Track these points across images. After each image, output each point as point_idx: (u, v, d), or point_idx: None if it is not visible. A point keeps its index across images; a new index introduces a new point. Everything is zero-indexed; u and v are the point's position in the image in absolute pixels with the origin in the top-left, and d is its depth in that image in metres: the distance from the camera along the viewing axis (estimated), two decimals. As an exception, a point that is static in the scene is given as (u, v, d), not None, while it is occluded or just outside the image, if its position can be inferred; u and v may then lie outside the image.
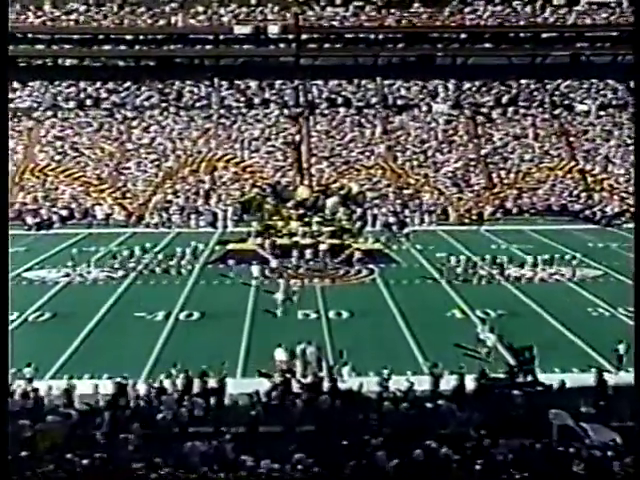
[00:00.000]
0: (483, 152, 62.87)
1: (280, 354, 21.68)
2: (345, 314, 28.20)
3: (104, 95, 68.38)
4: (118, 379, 19.71)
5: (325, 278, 34.33)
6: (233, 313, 28.04)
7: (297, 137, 65.10)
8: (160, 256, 38.10)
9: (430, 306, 29.31)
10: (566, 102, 67.48)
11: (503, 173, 59.87)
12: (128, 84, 69.10)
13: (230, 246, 39.33)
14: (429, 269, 36.35)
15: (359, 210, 47.04)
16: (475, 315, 27.46)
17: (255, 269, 35.88)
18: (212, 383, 19.82)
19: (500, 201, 54.97)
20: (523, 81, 69.38)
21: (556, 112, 66.59)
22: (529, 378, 20.09)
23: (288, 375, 20.53)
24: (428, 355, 22.88)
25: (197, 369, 20.38)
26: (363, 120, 66.62)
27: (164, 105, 67.56)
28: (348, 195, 42.58)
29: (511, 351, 21.77)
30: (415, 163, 60.88)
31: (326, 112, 67.39)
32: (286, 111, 67.57)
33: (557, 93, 68.73)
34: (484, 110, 67.11)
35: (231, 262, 36.66)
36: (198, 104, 68.05)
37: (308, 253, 37.74)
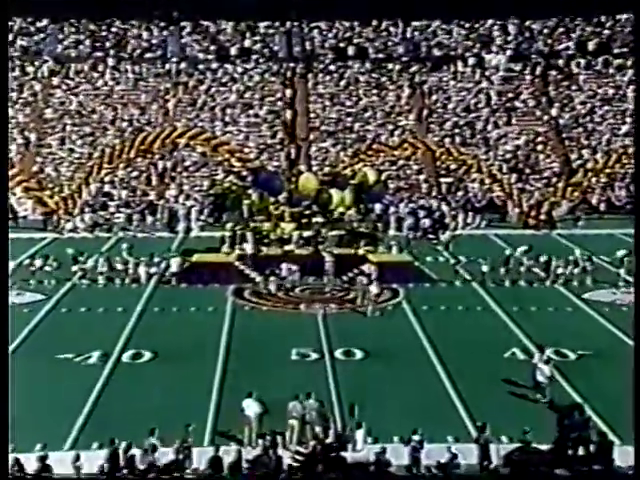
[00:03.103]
0: (557, 123, 63.08)
1: (251, 406, 21.71)
2: (358, 354, 28.13)
3: (8, 38, 68.53)
4: (29, 454, 19.57)
5: (330, 302, 34.33)
6: (199, 352, 28.01)
7: (290, 102, 65.24)
8: (95, 271, 38.19)
9: (480, 342, 29.22)
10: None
11: (586, 153, 59.97)
12: (45, 23, 69.27)
13: (196, 257, 39.49)
14: (478, 290, 36.37)
15: (378, 207, 47.02)
16: (546, 355, 27.37)
17: (174, 263, 37.34)
18: (170, 454, 19.75)
19: (581, 193, 55.00)
20: (621, 16, 69.13)
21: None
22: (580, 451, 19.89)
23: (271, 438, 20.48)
24: (477, 414, 22.85)
25: (147, 434, 20.31)
26: (384, 79, 66.86)
27: (99, 55, 67.83)
28: (363, 186, 42.58)
29: (553, 410, 21.75)
30: (458, 140, 60.99)
31: (331, 68, 67.63)
32: (275, 66, 67.81)
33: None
34: (559, 62, 67.25)
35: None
36: (148, 55, 68.36)
37: (307, 267, 37.92)
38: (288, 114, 63.90)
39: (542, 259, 38.79)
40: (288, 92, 65.86)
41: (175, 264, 38.21)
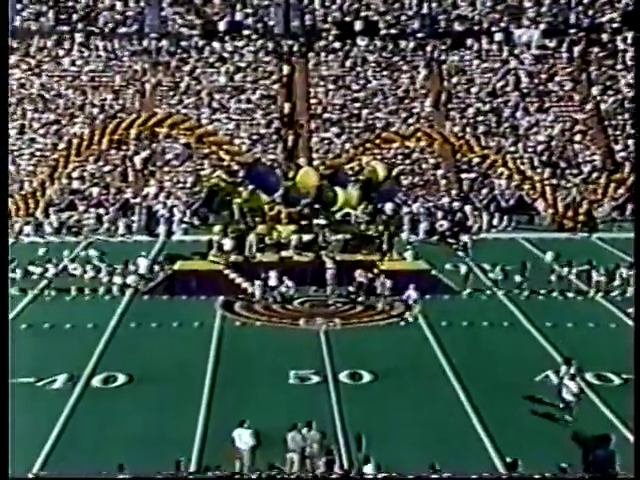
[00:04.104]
0: (599, 108, 63.11)
1: (243, 437, 21.73)
2: (366, 376, 28.16)
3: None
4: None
5: (333, 317, 34.44)
6: (182, 375, 28.01)
7: (287, 86, 65.27)
8: (59, 281, 38.30)
9: (508, 364, 29.27)
10: None
11: (633, 143, 59.74)
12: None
13: (178, 265, 39.59)
14: (505, 302, 36.53)
15: (389, 206, 47.03)
16: (584, 381, 27.36)
17: (142, 263, 38.23)
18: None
19: (627, 191, 54.95)
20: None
21: None
22: None
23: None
24: (503, 445, 22.82)
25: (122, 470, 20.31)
26: (396, 59, 66.82)
27: (64, 29, 67.75)
28: (371, 182, 42.60)
29: (577, 443, 21.75)
30: (482, 129, 60.96)
31: (336, 46, 67.61)
32: (270, 44, 67.78)
33: None
34: (602, 37, 66.98)
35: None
36: (123, 30, 68.33)
37: (307, 276, 38.13)
38: (285, 100, 63.90)
39: (579, 267, 38.80)
40: (285, 73, 65.84)
41: (143, 265, 38.33)
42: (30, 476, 20.03)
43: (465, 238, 46.86)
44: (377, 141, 54.69)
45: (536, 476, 19.75)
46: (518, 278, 38.24)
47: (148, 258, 40.10)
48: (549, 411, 24.48)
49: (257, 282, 36.77)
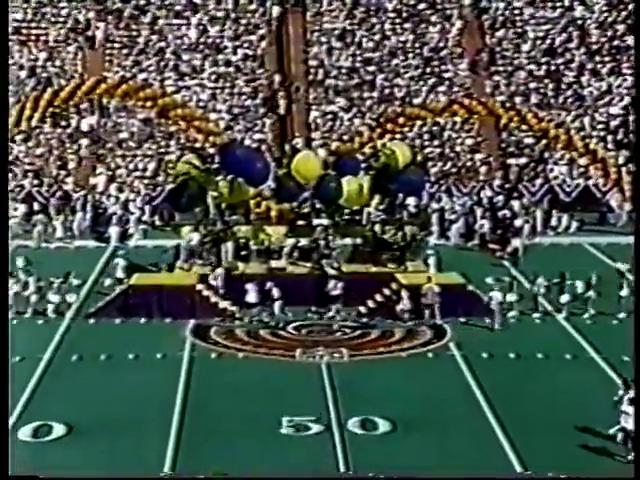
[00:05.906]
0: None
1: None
2: (382, 425, 28.21)
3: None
4: None
5: (339, 346, 34.62)
6: (140, 424, 28.10)
7: (278, 43, 65.41)
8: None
9: (569, 411, 29.18)
10: None
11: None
12: None
13: (136, 278, 39.73)
14: (567, 328, 36.67)
15: (412, 202, 47.13)
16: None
17: (120, 265, 38.37)
18: None
19: None
20: None
21: None
22: None
23: None
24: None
25: None
26: (422, 7, 66.97)
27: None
28: (389, 170, 42.71)
29: None
30: (534, 99, 61.03)
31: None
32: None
33: None
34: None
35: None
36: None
37: (304, 292, 38.33)
38: (276, 62, 64.10)
39: None
40: (275, 16, 66.02)
41: (120, 266, 38.73)
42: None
43: (517, 243, 46.91)
44: (398, 117, 54.36)
45: (541, 476, 21.99)
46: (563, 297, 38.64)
47: (126, 259, 40.49)
48: (603, 445, 25.09)
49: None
